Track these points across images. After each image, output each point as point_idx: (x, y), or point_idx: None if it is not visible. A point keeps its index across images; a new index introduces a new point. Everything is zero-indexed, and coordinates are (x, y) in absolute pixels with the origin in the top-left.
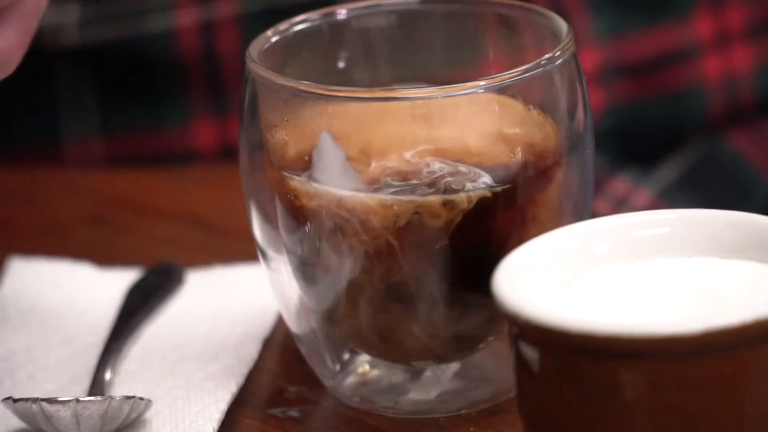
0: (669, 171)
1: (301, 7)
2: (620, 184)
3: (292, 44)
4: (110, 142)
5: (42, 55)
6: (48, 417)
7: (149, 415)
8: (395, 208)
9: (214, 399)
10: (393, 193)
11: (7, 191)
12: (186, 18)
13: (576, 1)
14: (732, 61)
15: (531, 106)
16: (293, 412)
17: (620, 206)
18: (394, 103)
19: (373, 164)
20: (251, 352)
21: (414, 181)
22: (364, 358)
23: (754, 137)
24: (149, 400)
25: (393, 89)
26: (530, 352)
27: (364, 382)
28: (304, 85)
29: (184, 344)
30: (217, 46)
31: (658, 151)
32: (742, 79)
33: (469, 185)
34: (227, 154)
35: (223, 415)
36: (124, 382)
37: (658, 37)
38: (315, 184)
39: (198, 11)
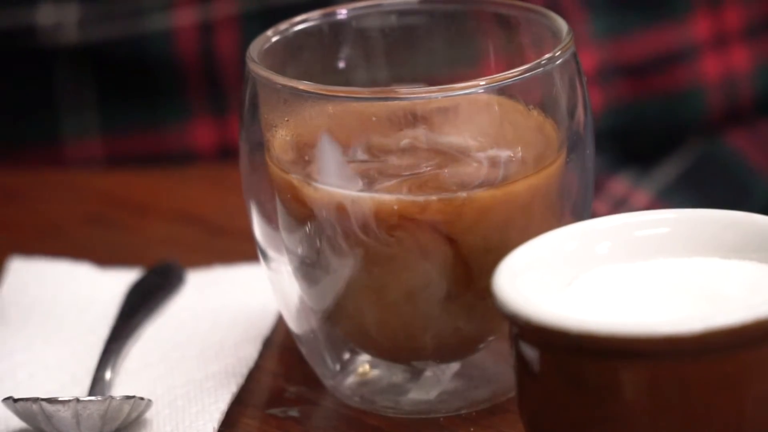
0: (668, 171)
1: (300, 7)
2: (619, 184)
3: (292, 44)
4: (109, 141)
5: (41, 54)
6: (48, 417)
7: (149, 414)
8: (395, 207)
9: (214, 399)
10: (393, 192)
11: (7, 191)
12: (185, 18)
13: (574, 2)
14: (730, 62)
15: (531, 106)
16: (293, 412)
17: (619, 207)
18: (394, 103)
19: (373, 164)
20: (251, 352)
21: (414, 181)
22: (364, 358)
23: (753, 137)
24: (149, 400)
25: (393, 89)
26: (530, 352)
27: (364, 382)
28: (304, 85)
29: (184, 344)
30: (215, 46)
31: (657, 151)
32: (741, 79)
33: (469, 184)
34: (226, 153)
35: (223, 415)
36: (124, 382)
37: (656, 37)
38: (315, 184)
39: (197, 11)
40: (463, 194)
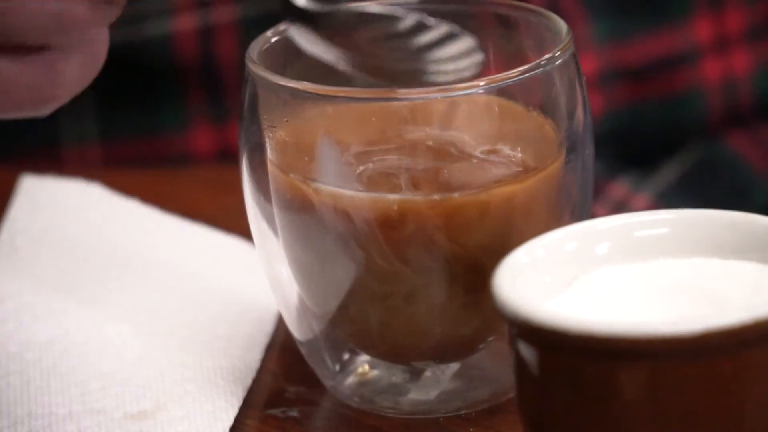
0: (667, 174)
1: None
2: (619, 188)
3: (292, 45)
4: (108, 147)
5: None
6: None
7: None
8: (395, 208)
9: (223, 404)
10: (393, 193)
11: (6, 192)
12: (185, 23)
13: (575, 6)
14: (731, 64)
15: (530, 107)
16: (293, 412)
17: (619, 210)
18: (394, 104)
19: (373, 164)
20: (253, 354)
21: (414, 182)
22: (364, 358)
23: (753, 139)
24: None
25: (393, 89)
26: (530, 353)
27: (363, 382)
28: (304, 86)
29: (184, 344)
30: (215, 51)
31: (657, 154)
32: (741, 81)
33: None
34: (225, 158)
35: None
36: (123, 382)
37: (657, 41)
38: (315, 185)
39: (197, 16)
40: (463, 195)
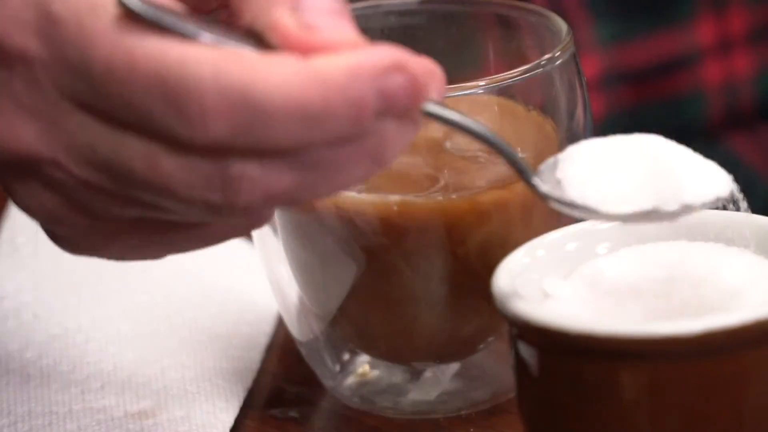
0: None
1: None
2: None
3: None
4: None
5: None
6: None
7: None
8: (395, 208)
9: (224, 404)
10: (393, 193)
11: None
12: None
13: (578, 8)
14: (733, 66)
15: (531, 107)
16: (293, 413)
17: None
18: None
19: None
20: (253, 355)
21: (414, 182)
22: (364, 358)
23: (754, 141)
24: None
25: None
26: (530, 353)
27: (364, 383)
28: None
29: (184, 344)
30: None
31: None
32: (742, 83)
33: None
34: None
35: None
36: (123, 381)
37: (660, 43)
38: None
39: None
40: (464, 195)
